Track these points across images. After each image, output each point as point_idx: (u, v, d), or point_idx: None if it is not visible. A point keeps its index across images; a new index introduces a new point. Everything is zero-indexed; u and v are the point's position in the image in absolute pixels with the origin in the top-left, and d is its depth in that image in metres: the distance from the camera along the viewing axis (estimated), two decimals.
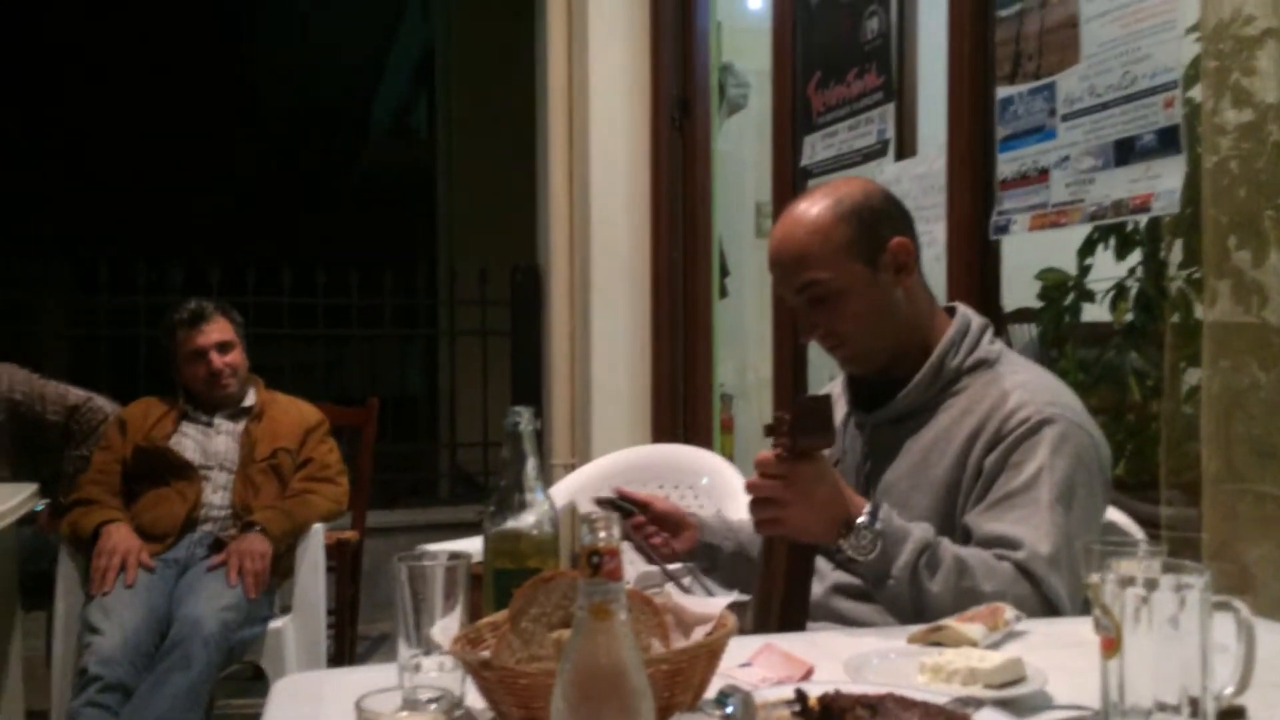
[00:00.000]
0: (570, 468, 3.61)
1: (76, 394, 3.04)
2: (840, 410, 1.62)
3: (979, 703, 0.93)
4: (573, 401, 4.00)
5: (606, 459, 2.74)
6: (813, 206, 1.51)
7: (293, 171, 13.41)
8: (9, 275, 4.89)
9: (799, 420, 1.33)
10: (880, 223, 1.50)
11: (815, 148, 2.86)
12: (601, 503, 1.65)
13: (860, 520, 1.33)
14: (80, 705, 2.27)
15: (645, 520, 1.63)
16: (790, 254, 1.49)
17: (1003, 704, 0.95)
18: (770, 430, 1.35)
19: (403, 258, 6.99)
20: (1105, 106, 1.91)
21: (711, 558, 1.66)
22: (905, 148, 2.59)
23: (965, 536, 1.41)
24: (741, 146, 3.90)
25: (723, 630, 0.97)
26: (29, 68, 11.76)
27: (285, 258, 5.10)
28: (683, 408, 3.77)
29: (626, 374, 3.83)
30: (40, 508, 2.79)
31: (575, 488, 2.55)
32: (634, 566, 2.22)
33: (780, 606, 1.35)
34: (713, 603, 1.04)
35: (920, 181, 2.47)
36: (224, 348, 2.82)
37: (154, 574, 2.52)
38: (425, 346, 6.77)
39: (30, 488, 2.64)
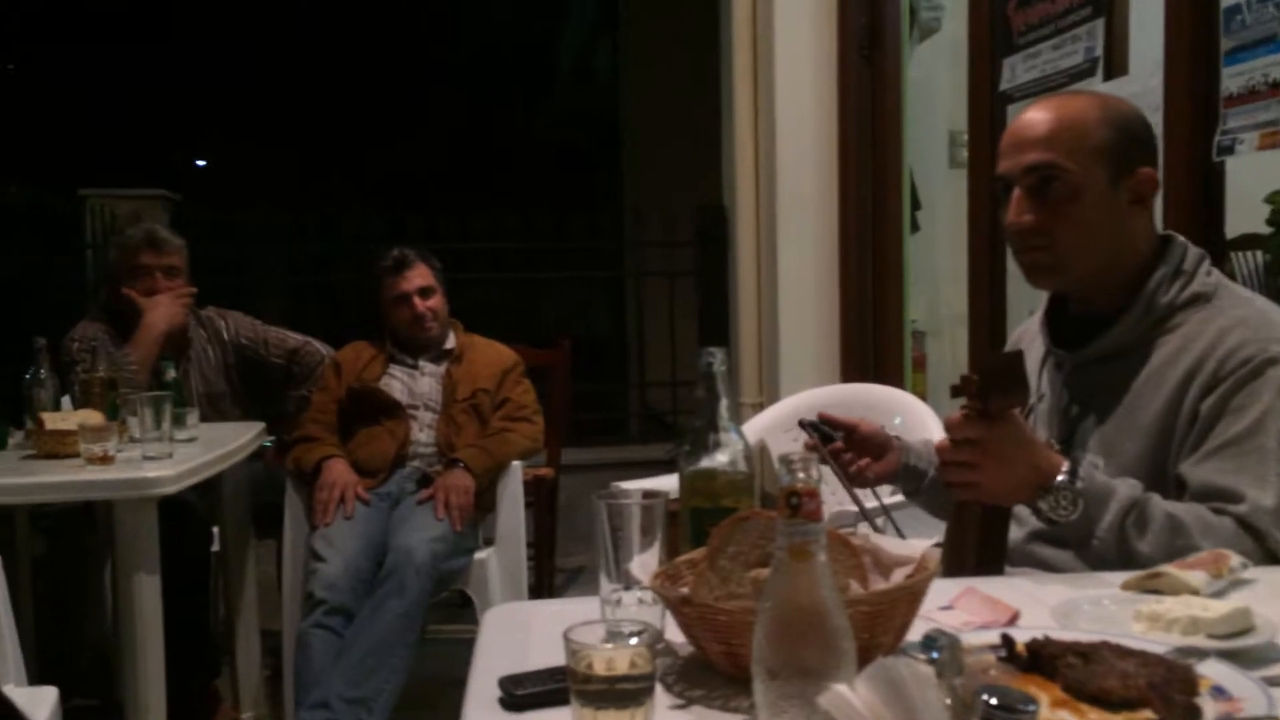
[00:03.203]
0: (758, 407, 3.61)
1: (295, 338, 3.25)
2: (1037, 349, 1.54)
3: (1202, 654, 0.88)
4: (760, 340, 3.98)
5: (795, 398, 2.73)
6: (1080, 100, 1.44)
7: (482, 121, 13.78)
8: (229, 230, 5.25)
9: (989, 380, 1.27)
10: (1139, 147, 1.42)
11: (1016, 70, 2.71)
12: (804, 425, 1.63)
13: (1059, 480, 1.26)
14: (309, 626, 2.46)
15: (843, 446, 1.60)
16: (1039, 131, 1.40)
17: (1229, 656, 0.89)
18: (958, 391, 1.29)
19: (589, 201, 7.10)
20: None
21: (914, 481, 1.64)
22: (1115, 66, 2.42)
23: (1179, 487, 1.32)
24: (934, 73, 3.73)
25: (924, 573, 0.96)
26: (234, 33, 12.47)
27: (478, 204, 5.27)
28: (872, 345, 3.70)
29: (814, 312, 3.78)
30: (268, 444, 3.01)
31: (763, 427, 2.55)
32: (826, 506, 2.21)
33: (973, 564, 1.31)
34: (912, 545, 1.03)
35: (1133, 102, 2.30)
36: (425, 292, 2.95)
37: (370, 506, 2.69)
38: (613, 288, 6.87)
39: (258, 426, 2.86)
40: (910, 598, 0.93)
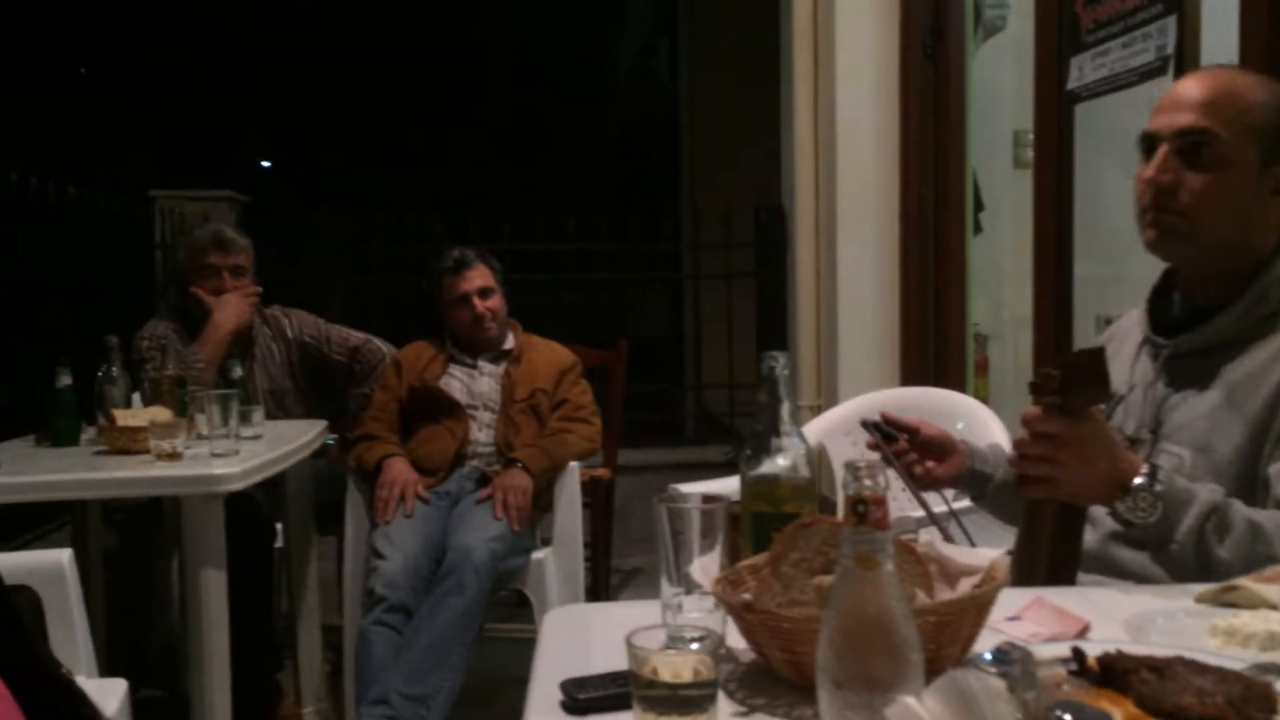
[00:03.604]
0: (816, 410, 3.59)
1: (356, 336, 3.30)
2: (1133, 339, 1.50)
3: None
4: (818, 342, 3.95)
5: (854, 401, 2.70)
6: (1249, 76, 1.42)
7: (543, 123, 13.88)
8: (297, 231, 5.34)
9: (1070, 375, 1.24)
10: None
11: (1084, 69, 2.66)
12: (866, 425, 1.61)
13: (1138, 481, 1.23)
14: (369, 623, 2.49)
15: (907, 448, 1.58)
16: (1201, 96, 1.37)
17: None
18: (1036, 388, 1.26)
19: (647, 202, 7.11)
20: None
21: (979, 485, 1.61)
22: (1187, 64, 2.36)
23: (1268, 488, 1.28)
24: (999, 72, 3.68)
25: (992, 583, 0.94)
26: (296, 37, 12.68)
27: (537, 206, 5.31)
28: (933, 349, 3.65)
29: (874, 314, 3.75)
30: (331, 441, 3.05)
31: (821, 430, 2.53)
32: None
33: (1046, 567, 1.28)
34: (979, 554, 1.01)
35: None
36: (485, 293, 2.97)
37: (429, 505, 2.71)
38: (670, 289, 6.87)
39: (321, 424, 2.91)
40: (978, 608, 0.91)
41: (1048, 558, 1.29)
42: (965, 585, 0.98)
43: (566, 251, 5.27)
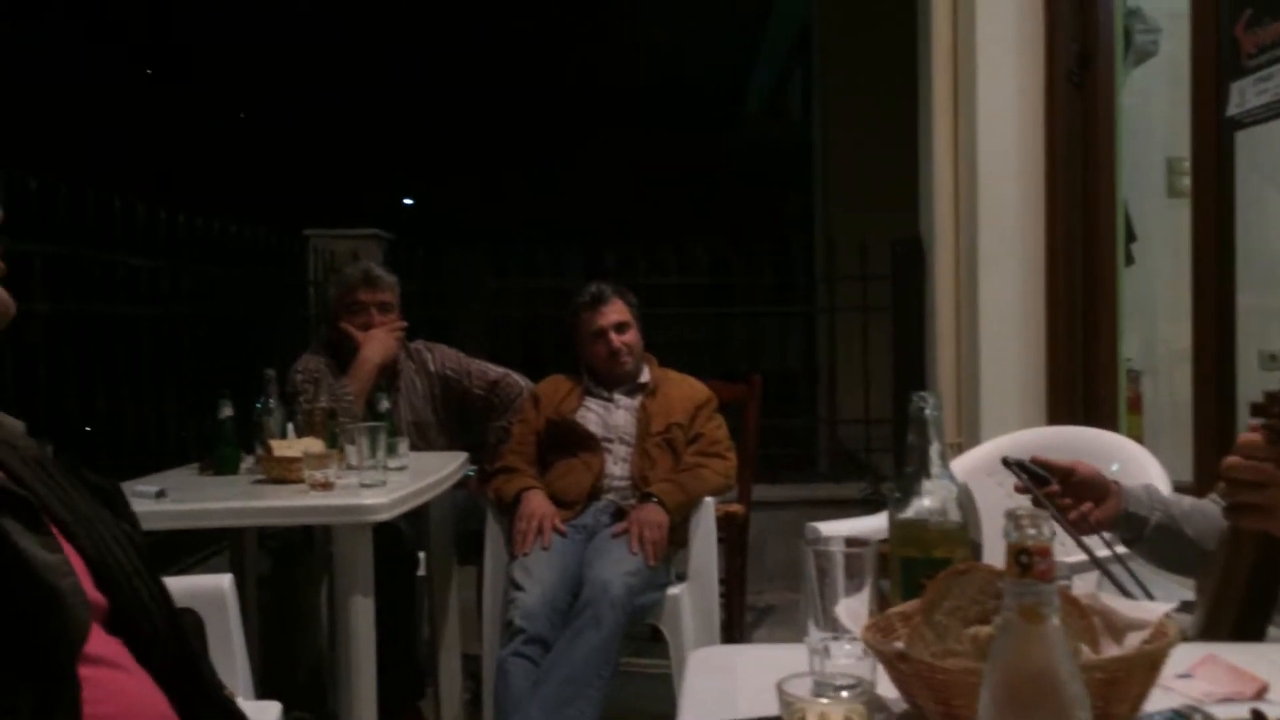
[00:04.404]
0: (957, 449, 3.48)
1: (495, 370, 3.37)
2: None
3: None
4: (959, 379, 3.85)
5: (998, 441, 2.61)
6: None
7: (677, 156, 14.00)
8: (436, 267, 5.51)
9: None
10: None
11: (1245, 94, 2.53)
12: (1009, 464, 1.54)
13: None
14: (508, 654, 2.52)
15: (1059, 490, 1.50)
16: None
17: None
18: (1259, 410, 1.18)
19: (781, 235, 7.09)
20: None
21: (1136, 529, 1.52)
22: None
23: None
24: (1149, 99, 3.54)
25: (1164, 640, 0.89)
26: (437, 83, 13.14)
27: (669, 238, 5.35)
28: (1082, 385, 3.51)
29: (1018, 350, 3.63)
30: (471, 473, 3.12)
31: (963, 470, 2.44)
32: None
33: (1238, 609, 1.20)
34: (1148, 607, 0.96)
35: None
36: (621, 328, 3.00)
37: (566, 538, 2.74)
38: (804, 323, 6.80)
39: (462, 455, 2.98)
40: (1150, 665, 0.87)
41: (1242, 594, 1.21)
42: (1133, 640, 0.93)
43: (700, 285, 5.28)
